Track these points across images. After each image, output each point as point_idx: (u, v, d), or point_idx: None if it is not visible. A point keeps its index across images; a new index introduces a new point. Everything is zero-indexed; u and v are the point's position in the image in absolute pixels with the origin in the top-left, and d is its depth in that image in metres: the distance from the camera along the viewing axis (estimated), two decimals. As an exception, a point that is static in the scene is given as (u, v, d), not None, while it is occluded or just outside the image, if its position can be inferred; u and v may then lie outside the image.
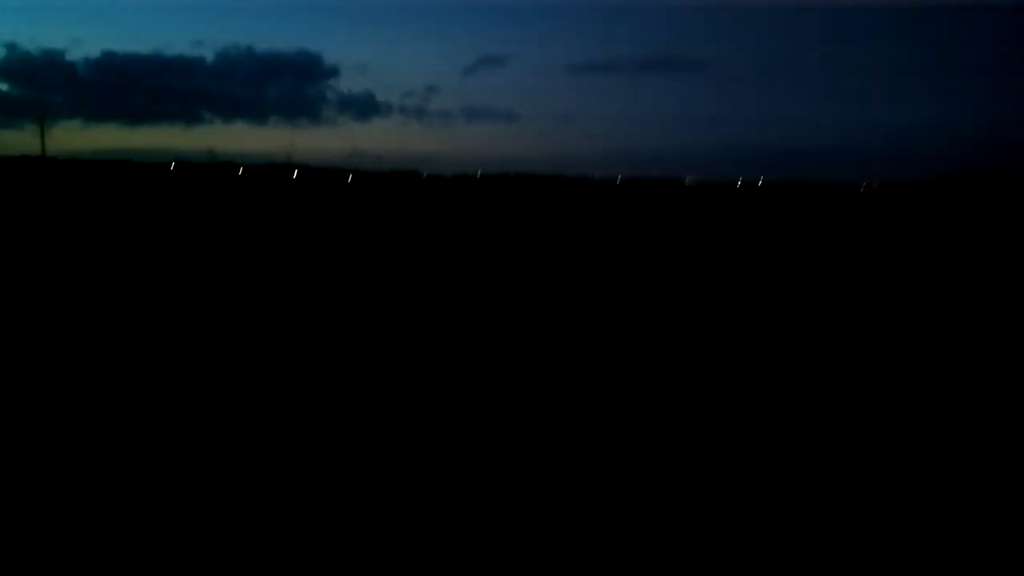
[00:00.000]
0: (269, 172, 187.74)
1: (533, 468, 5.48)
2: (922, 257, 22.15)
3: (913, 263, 20.34)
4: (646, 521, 4.47)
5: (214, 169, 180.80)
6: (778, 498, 4.89)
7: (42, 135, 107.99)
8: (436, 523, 4.46)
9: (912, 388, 7.82)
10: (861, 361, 8.90)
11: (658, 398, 7.24)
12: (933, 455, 5.88)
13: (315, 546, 4.23)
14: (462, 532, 4.33)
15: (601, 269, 17.77)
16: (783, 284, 15.65)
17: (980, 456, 5.84)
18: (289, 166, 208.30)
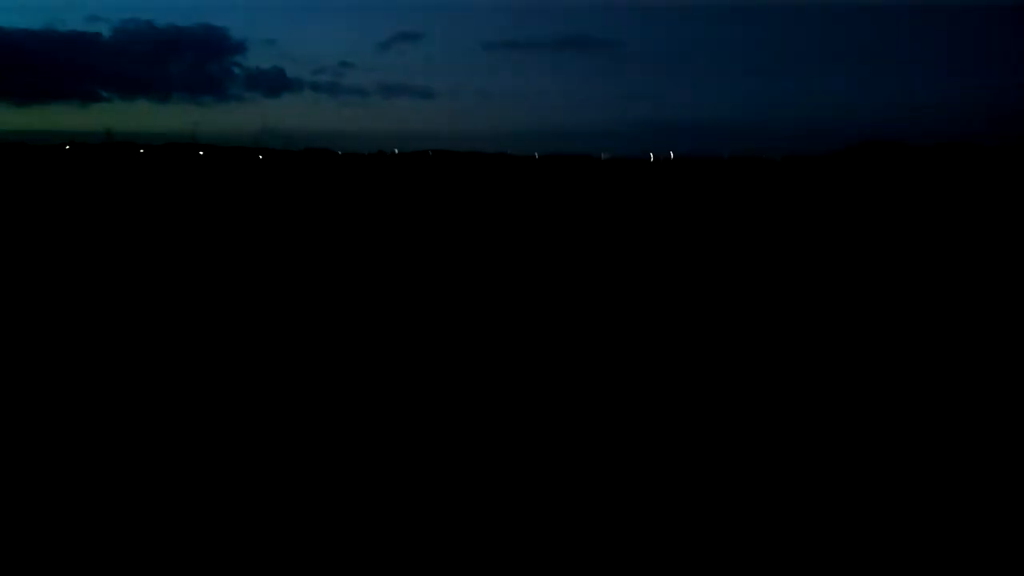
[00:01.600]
0: (172, 152, 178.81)
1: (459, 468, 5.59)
2: (826, 227, 23.45)
3: (817, 233, 21.53)
4: (641, 518, 4.44)
5: (112, 149, 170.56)
6: (750, 496, 4.90)
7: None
8: (433, 522, 4.42)
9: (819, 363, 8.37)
10: (776, 332, 9.44)
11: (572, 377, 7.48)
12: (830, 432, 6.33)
13: (315, 545, 4.20)
14: (460, 531, 4.31)
15: (521, 244, 17.97)
16: (695, 256, 16.29)
17: (901, 437, 6.26)
18: (193, 145, 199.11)
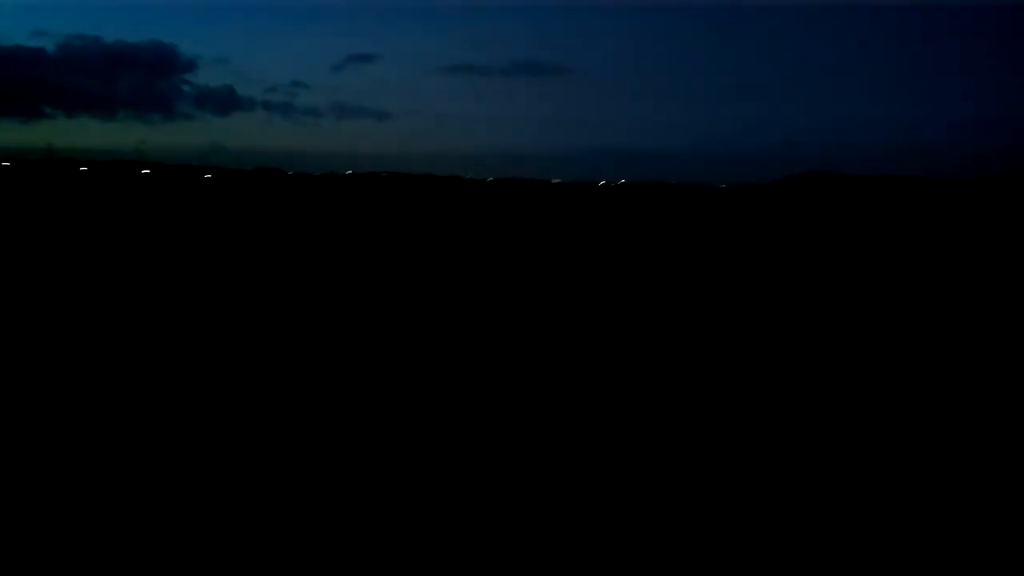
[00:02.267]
0: (116, 168, 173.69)
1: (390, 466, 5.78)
2: (767, 253, 24.39)
3: (759, 258, 22.39)
4: (634, 518, 4.52)
5: (53, 166, 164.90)
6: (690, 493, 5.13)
7: None
8: (430, 522, 4.49)
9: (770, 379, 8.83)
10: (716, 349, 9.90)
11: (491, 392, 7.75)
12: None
13: (314, 544, 4.23)
14: (458, 531, 4.38)
15: (471, 265, 18.23)
16: (641, 276, 16.81)
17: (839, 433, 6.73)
18: (139, 163, 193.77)
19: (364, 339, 9.67)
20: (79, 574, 3.89)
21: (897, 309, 13.06)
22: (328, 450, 5.71)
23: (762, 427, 6.50)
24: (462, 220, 40.85)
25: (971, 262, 21.53)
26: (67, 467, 5.25)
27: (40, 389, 7.02)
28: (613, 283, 15.81)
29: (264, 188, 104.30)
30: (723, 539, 4.28)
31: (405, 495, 4.94)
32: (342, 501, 4.83)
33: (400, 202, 69.29)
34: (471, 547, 4.23)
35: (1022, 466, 5.43)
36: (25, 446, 5.62)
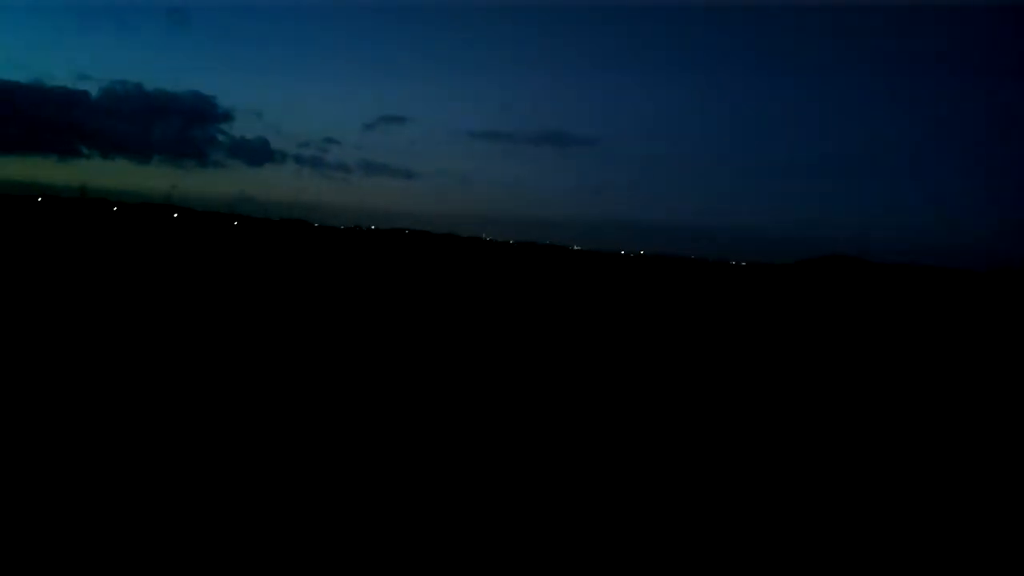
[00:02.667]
0: (145, 211, 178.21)
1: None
2: (776, 330, 24.26)
3: (768, 334, 22.27)
4: (632, 522, 4.55)
5: (86, 204, 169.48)
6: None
7: None
8: (428, 522, 4.49)
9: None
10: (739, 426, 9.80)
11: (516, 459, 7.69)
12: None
13: (314, 544, 4.20)
14: (458, 531, 4.38)
15: (489, 323, 18.29)
16: (658, 347, 16.76)
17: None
18: (168, 206, 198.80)
19: (378, 388, 9.67)
20: (79, 574, 3.87)
21: (901, 398, 12.87)
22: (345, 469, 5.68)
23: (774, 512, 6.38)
24: (481, 279, 41.13)
25: (982, 356, 21.25)
26: (87, 469, 5.25)
27: (70, 420, 7.07)
28: (626, 351, 15.77)
29: (290, 237, 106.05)
30: (723, 539, 4.26)
31: (405, 496, 4.94)
32: (342, 502, 4.82)
33: (420, 258, 70.04)
34: (471, 547, 4.18)
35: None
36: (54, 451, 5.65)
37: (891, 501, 6.42)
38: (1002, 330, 30.34)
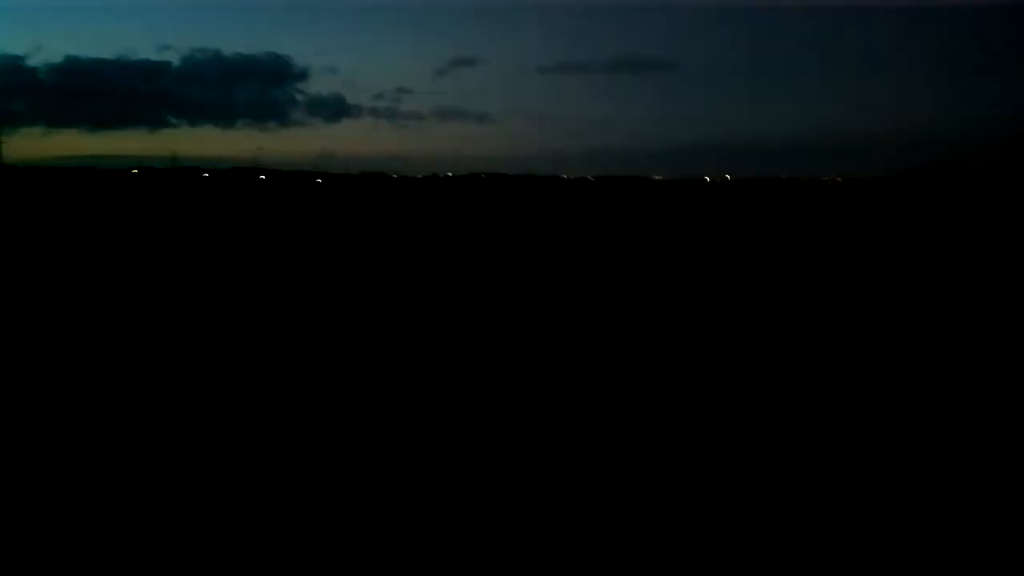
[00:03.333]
0: (235, 176, 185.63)
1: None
2: (885, 250, 22.42)
3: (877, 256, 20.57)
4: (636, 522, 4.41)
5: (178, 174, 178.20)
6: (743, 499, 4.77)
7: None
8: (429, 523, 4.40)
9: (886, 387, 7.76)
10: (837, 360, 8.85)
11: (639, 399, 7.09)
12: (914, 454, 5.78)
13: (315, 545, 4.20)
14: (458, 532, 4.30)
15: (578, 266, 17.64)
16: (755, 278, 15.66)
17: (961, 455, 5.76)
18: (256, 170, 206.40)
19: (476, 337, 9.25)
20: (79, 574, 3.88)
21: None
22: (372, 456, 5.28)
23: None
24: (560, 219, 40.32)
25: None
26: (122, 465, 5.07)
27: (154, 390, 6.99)
28: (726, 282, 14.77)
29: (371, 192, 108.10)
30: (723, 539, 4.20)
31: (405, 496, 4.79)
32: (342, 501, 4.72)
33: (498, 202, 69.75)
34: (471, 547, 4.12)
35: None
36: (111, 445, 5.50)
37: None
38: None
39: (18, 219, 33.48)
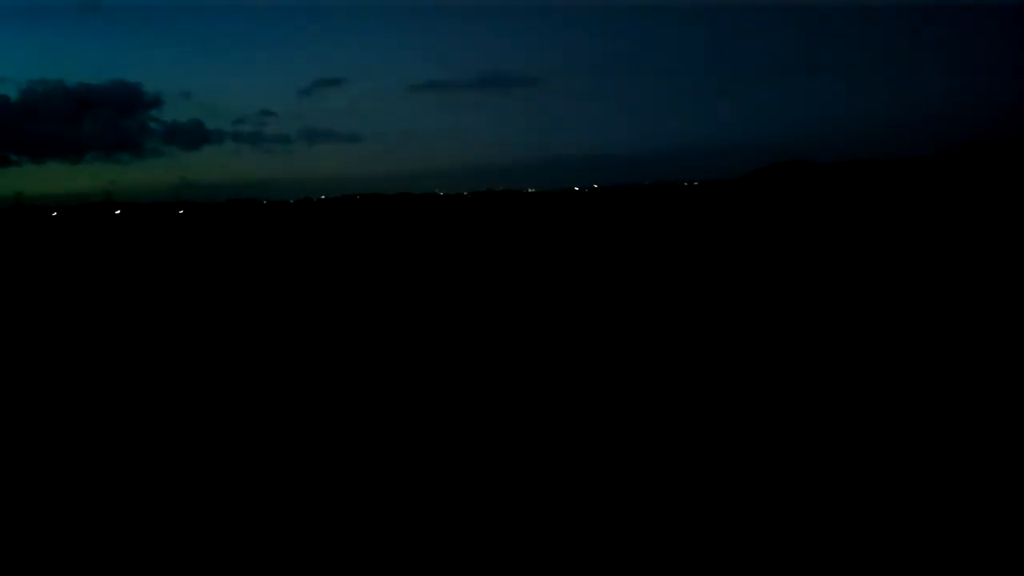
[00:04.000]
0: (86, 212, 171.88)
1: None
2: (741, 246, 24.47)
3: (732, 250, 22.47)
4: (640, 519, 4.41)
5: (23, 212, 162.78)
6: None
7: None
8: (431, 522, 4.43)
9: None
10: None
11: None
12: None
13: (315, 545, 4.18)
14: (459, 531, 4.32)
15: (462, 279, 18.09)
16: (629, 277, 16.77)
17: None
18: (109, 204, 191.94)
19: (359, 355, 9.50)
20: (79, 574, 3.85)
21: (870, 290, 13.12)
22: (330, 452, 5.57)
23: (737, 420, 6.44)
24: (446, 234, 40.71)
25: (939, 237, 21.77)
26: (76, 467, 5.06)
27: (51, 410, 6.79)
28: (598, 283, 15.76)
29: (240, 219, 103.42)
30: (723, 539, 4.15)
31: (405, 495, 4.85)
32: (342, 501, 4.74)
33: (380, 222, 69.03)
34: (471, 547, 4.15)
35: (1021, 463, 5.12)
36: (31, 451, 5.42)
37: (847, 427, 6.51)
38: (973, 210, 31.12)
39: None
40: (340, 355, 9.55)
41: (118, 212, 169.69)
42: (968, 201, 41.56)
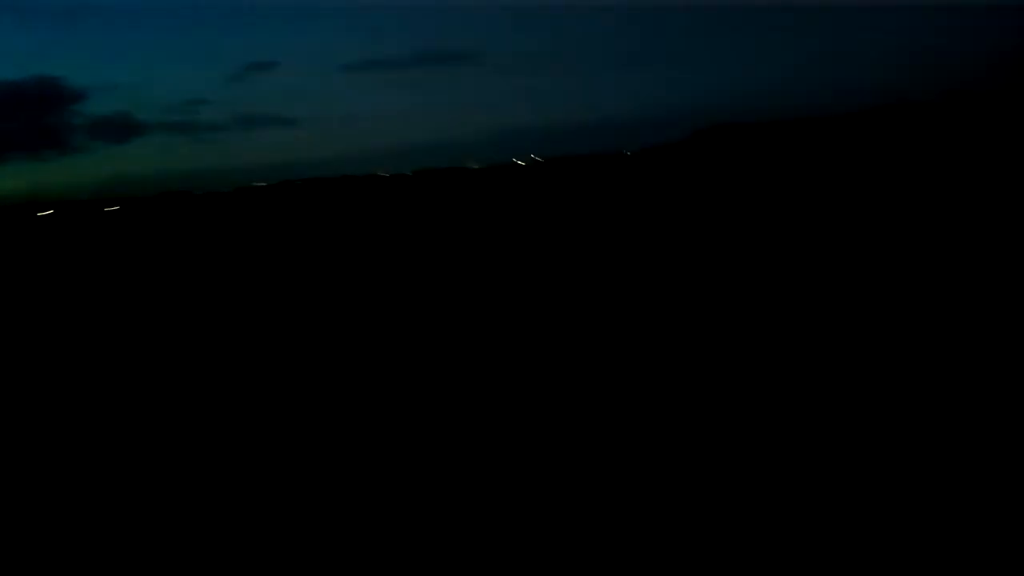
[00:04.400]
0: (10, 214, 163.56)
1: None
2: (680, 211, 24.74)
3: (669, 219, 22.70)
4: (640, 520, 4.34)
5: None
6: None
7: None
8: (433, 523, 4.40)
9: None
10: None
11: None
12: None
13: (315, 545, 4.17)
14: (460, 531, 4.30)
15: (411, 260, 17.80)
16: (576, 251, 16.74)
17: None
18: (34, 204, 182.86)
19: (309, 354, 9.21)
20: (79, 574, 3.87)
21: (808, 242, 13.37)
22: (327, 450, 5.46)
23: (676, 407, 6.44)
24: (390, 215, 40.10)
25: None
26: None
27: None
28: (549, 259, 15.70)
29: (172, 212, 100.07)
30: (723, 539, 4.08)
31: (405, 495, 4.77)
32: (342, 501, 4.69)
33: (319, 207, 67.74)
34: (471, 547, 4.11)
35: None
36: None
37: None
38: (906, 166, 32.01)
39: None
40: (300, 346, 9.22)
41: (47, 212, 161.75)
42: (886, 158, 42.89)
